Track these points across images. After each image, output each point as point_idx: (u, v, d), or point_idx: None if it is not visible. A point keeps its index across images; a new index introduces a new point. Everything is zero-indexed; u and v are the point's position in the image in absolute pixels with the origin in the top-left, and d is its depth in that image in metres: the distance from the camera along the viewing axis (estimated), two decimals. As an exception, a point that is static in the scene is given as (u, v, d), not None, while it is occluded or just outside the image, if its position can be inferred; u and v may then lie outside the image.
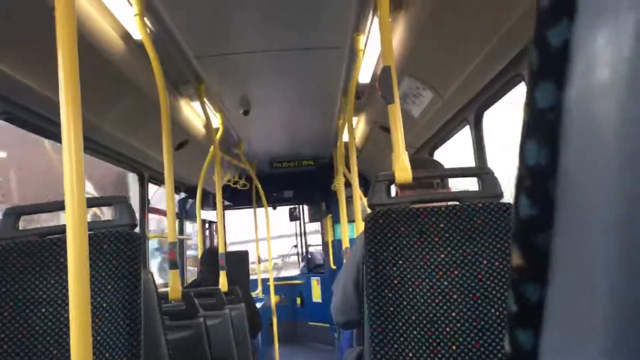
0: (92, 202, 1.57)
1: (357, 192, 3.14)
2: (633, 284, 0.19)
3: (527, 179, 0.26)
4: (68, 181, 1.19)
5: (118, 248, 1.60)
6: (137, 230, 1.70)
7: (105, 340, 1.52)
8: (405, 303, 1.51)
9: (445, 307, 1.51)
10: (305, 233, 8.00)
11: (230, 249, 4.63)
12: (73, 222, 1.18)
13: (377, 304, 1.51)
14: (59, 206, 1.31)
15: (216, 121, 3.95)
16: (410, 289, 1.52)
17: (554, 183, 0.25)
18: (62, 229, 1.62)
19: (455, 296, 1.51)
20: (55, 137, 1.87)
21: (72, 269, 1.17)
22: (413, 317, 1.50)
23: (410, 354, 1.48)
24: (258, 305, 4.48)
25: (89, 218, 1.43)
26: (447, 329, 1.49)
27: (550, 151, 0.25)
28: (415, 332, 1.49)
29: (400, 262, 1.54)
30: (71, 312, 1.16)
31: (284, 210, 7.87)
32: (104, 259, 1.59)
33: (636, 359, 0.19)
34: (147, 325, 1.63)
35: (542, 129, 0.25)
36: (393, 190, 1.81)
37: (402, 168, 1.68)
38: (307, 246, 7.96)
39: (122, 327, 1.53)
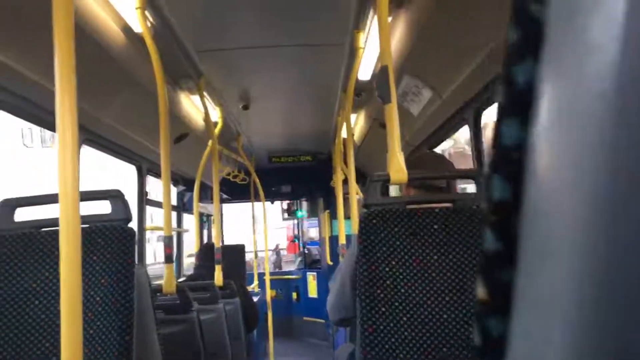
0: (86, 196, 1.57)
1: (354, 188, 3.14)
2: (590, 331, 0.19)
3: (492, 214, 0.26)
4: (62, 173, 1.18)
5: (112, 242, 1.60)
6: (131, 224, 1.70)
7: (97, 334, 1.53)
8: (397, 304, 1.51)
9: (437, 309, 1.51)
10: (302, 228, 8.02)
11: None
12: (66, 214, 1.19)
13: (369, 304, 1.51)
14: (54, 199, 1.31)
15: (216, 115, 3.95)
16: (403, 290, 1.52)
17: (518, 219, 0.25)
18: (57, 222, 1.63)
19: (447, 298, 1.51)
20: (52, 126, 1.87)
21: (64, 262, 1.17)
22: (405, 318, 1.50)
23: (402, 355, 1.48)
24: (254, 299, 4.49)
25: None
26: (439, 331, 1.49)
27: (515, 187, 0.25)
28: (406, 333, 1.49)
29: (394, 262, 1.54)
30: (62, 305, 1.16)
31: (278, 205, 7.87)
32: (98, 252, 1.59)
33: None
34: (140, 320, 1.63)
35: (507, 164, 0.25)
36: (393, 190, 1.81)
37: (397, 169, 1.68)
38: (304, 241, 7.97)
39: (114, 321, 1.53)
